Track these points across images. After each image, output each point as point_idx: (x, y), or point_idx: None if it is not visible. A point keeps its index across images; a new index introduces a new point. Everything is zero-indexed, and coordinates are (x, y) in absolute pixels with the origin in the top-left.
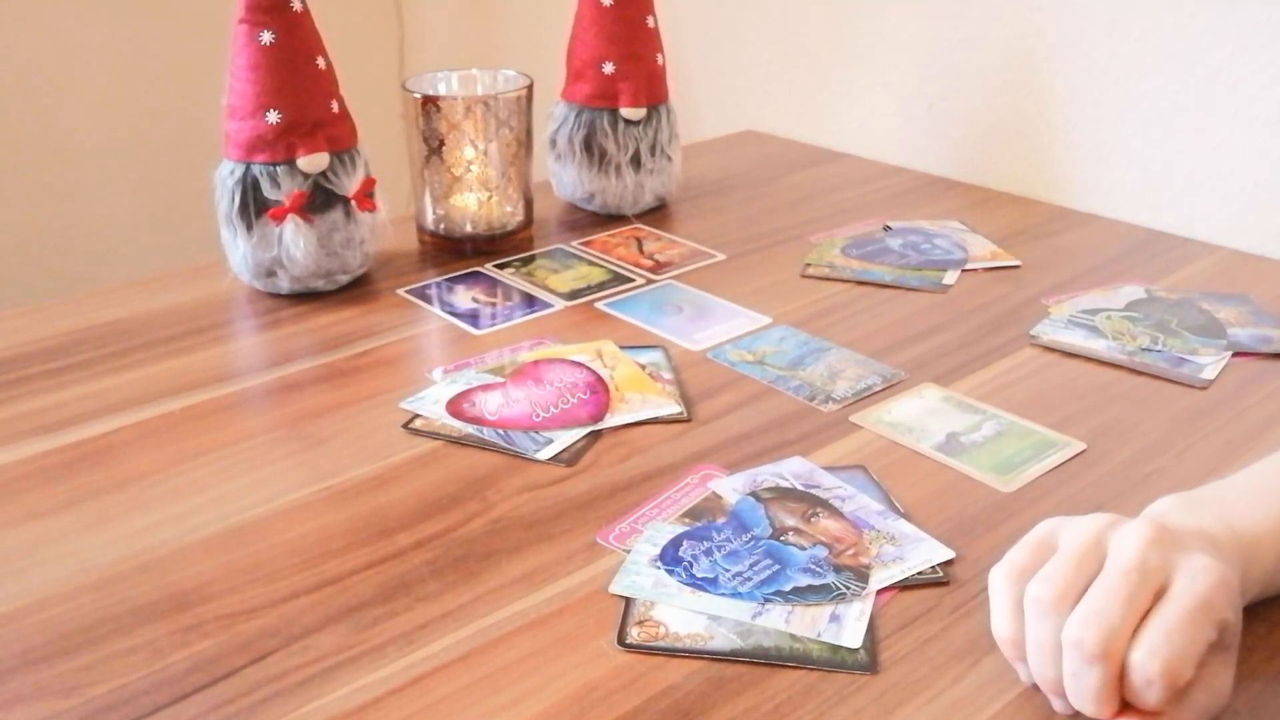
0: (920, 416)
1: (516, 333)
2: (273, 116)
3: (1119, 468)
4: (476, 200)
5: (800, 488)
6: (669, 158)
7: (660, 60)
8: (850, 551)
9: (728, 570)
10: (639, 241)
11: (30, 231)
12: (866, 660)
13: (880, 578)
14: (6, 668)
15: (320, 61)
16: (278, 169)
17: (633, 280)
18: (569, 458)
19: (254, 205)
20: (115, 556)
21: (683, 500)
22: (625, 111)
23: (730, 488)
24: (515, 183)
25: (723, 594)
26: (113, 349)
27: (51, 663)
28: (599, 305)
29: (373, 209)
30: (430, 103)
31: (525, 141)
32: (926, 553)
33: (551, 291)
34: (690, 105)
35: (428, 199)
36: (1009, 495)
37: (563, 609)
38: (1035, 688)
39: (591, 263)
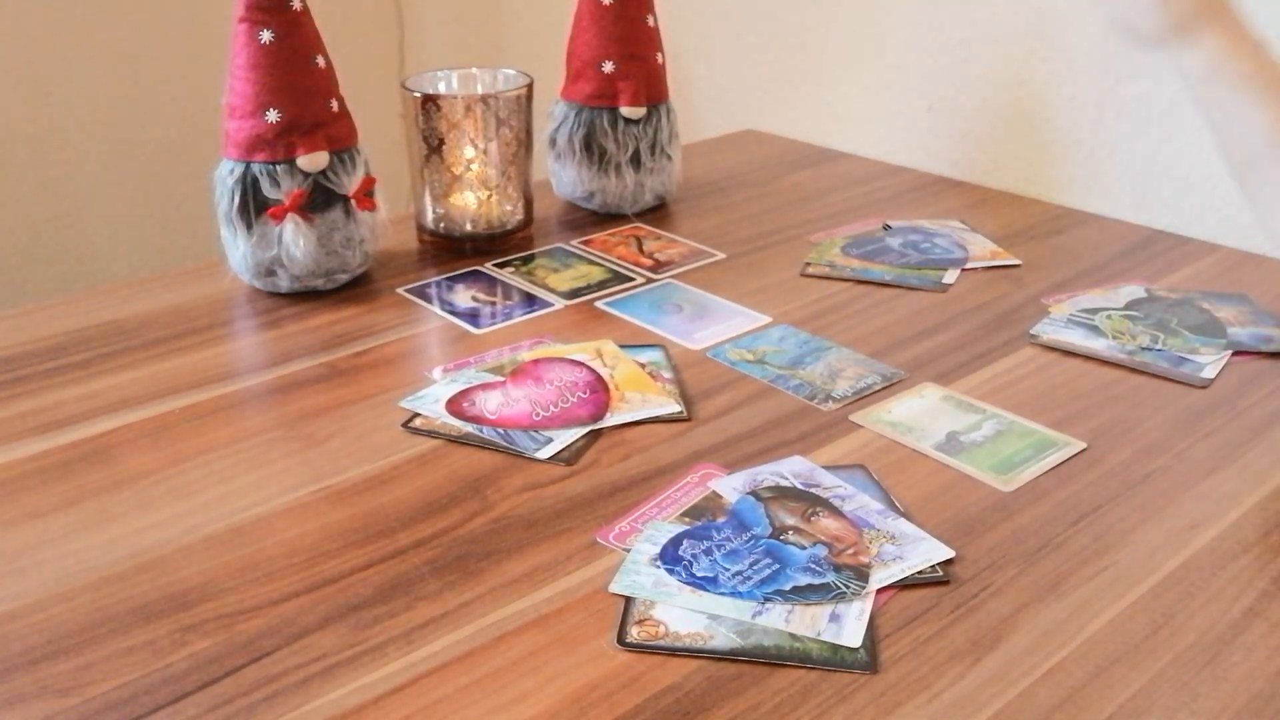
0: (920, 416)
1: (516, 332)
2: (272, 115)
3: (1119, 467)
4: (476, 199)
5: (800, 487)
6: (669, 157)
7: (660, 59)
8: (850, 551)
9: (728, 569)
10: (639, 240)
11: (30, 231)
12: (866, 660)
13: (880, 577)
14: (6, 667)
15: (320, 60)
16: (277, 168)
17: (633, 279)
18: (569, 457)
19: (254, 204)
20: (115, 556)
21: (683, 499)
22: (625, 111)
23: (730, 487)
24: (515, 182)
25: (723, 593)
26: (112, 348)
27: (51, 662)
28: (599, 304)
29: (372, 208)
30: (430, 102)
31: (525, 140)
32: (926, 552)
33: (551, 290)
34: (690, 105)
35: (428, 198)
36: (1009, 495)
37: (563, 608)
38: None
39: (591, 262)
